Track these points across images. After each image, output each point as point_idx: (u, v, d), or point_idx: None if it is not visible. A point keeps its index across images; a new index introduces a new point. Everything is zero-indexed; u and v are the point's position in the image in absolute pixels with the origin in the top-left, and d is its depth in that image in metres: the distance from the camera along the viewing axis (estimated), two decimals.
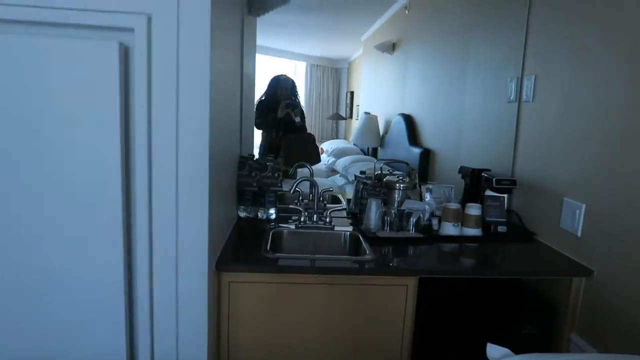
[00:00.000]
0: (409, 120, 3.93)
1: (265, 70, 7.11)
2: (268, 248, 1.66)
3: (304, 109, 3.48)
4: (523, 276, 1.60)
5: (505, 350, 1.17)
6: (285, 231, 1.91)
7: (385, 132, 4.70)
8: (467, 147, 2.82)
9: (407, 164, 2.30)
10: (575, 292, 1.67)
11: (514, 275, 1.61)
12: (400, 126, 4.02)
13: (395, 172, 2.22)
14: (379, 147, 4.85)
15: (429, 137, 3.53)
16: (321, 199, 2.31)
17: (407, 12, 4.21)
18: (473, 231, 1.96)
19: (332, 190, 2.34)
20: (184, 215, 1.33)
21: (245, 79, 2.12)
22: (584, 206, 1.68)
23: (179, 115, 1.28)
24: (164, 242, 1.34)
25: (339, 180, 4.04)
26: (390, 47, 4.68)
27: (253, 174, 2.00)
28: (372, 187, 2.04)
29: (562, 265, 1.67)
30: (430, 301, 1.71)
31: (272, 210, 2.07)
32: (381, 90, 5.23)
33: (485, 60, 2.63)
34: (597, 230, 1.61)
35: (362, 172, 2.18)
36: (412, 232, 1.91)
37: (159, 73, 1.25)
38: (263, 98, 3.29)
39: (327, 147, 5.93)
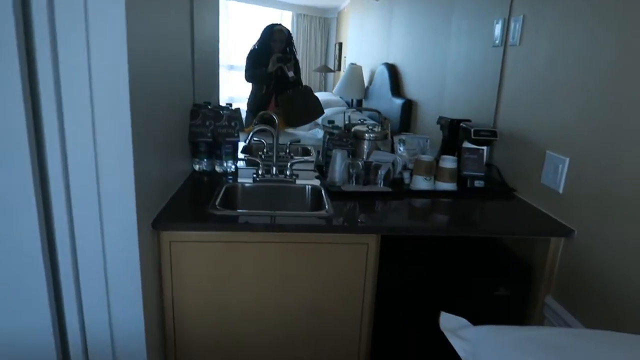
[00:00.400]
0: (392, 70, 3.71)
1: (248, 19, 6.75)
2: (217, 204, 1.50)
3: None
4: (497, 235, 1.46)
5: (462, 321, 1.02)
6: (241, 185, 1.74)
7: (370, 83, 4.47)
8: (449, 97, 2.62)
9: (378, 112, 2.11)
10: (554, 253, 1.54)
11: (486, 233, 1.47)
12: (383, 76, 3.80)
13: (367, 122, 2.04)
14: (363, 99, 4.63)
15: (412, 87, 3.32)
16: (287, 151, 2.14)
17: None
18: (447, 186, 1.80)
19: (299, 142, 2.16)
20: (105, 169, 1.15)
21: (200, 21, 1.89)
22: (567, 160, 1.51)
23: (91, 53, 1.07)
24: (84, 198, 1.16)
25: (319, 133, 3.84)
26: None
27: (207, 124, 1.81)
28: (338, 137, 1.86)
29: (541, 224, 1.53)
30: (398, 261, 1.58)
31: (230, 163, 1.89)
32: (367, 39, 4.95)
33: (471, 2, 2.40)
34: (580, 187, 1.46)
35: (330, 122, 1.99)
36: (380, 186, 1.76)
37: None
38: (255, 47, 3.02)
39: None
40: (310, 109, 3.06)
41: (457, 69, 2.52)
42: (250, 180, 1.78)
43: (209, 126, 1.81)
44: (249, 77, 3.05)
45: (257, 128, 1.72)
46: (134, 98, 1.14)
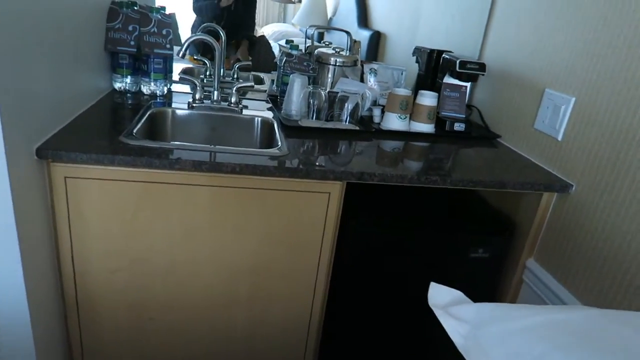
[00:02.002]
0: None
1: None
2: (134, 132, 1.14)
3: None
4: (481, 187, 1.21)
5: (457, 294, 0.76)
6: (171, 111, 1.38)
7: (334, 14, 4.05)
8: (426, 28, 2.29)
9: (347, 32, 1.76)
10: (544, 210, 1.31)
11: (470, 185, 1.21)
12: (349, 4, 3.40)
13: (335, 47, 1.69)
14: (325, 31, 4.20)
15: (382, 16, 2.96)
16: (235, 76, 1.77)
17: None
18: (424, 127, 1.52)
19: (250, 64, 1.79)
20: None
21: None
22: (573, 100, 1.26)
23: None
24: None
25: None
26: None
27: (130, 28, 1.40)
28: (298, 60, 1.51)
29: (533, 176, 1.28)
30: (361, 213, 1.30)
31: (160, 83, 1.51)
32: None
33: None
34: (584, 134, 1.21)
35: (288, 42, 1.63)
36: (345, 123, 1.45)
37: None
38: None
39: (267, 30, 5.19)
40: (262, 63, 2.56)
41: None
42: (185, 106, 1.41)
43: (133, 32, 1.41)
44: (196, 9, 2.50)
45: (193, 36, 1.33)
46: None
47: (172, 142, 1.32)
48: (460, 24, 1.93)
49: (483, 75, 1.58)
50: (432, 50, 1.76)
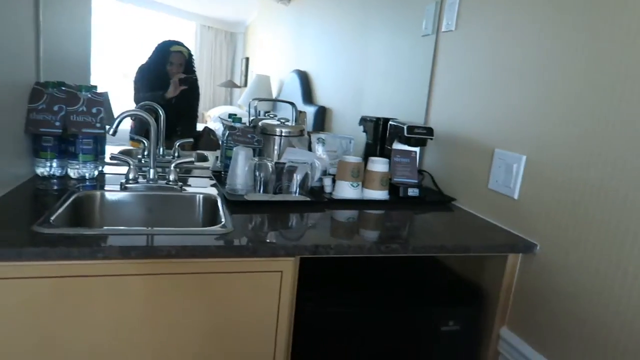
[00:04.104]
0: (303, 77, 3.39)
1: (144, 26, 6.15)
2: (52, 220, 0.99)
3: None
4: (444, 253, 1.13)
5: None
6: (100, 194, 1.24)
7: (279, 93, 4.12)
8: (370, 99, 2.33)
9: (292, 104, 1.73)
10: (510, 273, 1.24)
11: (433, 252, 1.12)
12: (294, 84, 3.46)
13: (280, 118, 1.64)
14: (271, 110, 4.25)
15: (326, 93, 3.01)
16: (176, 154, 1.67)
17: None
18: (377, 194, 1.45)
19: (192, 141, 1.70)
20: None
21: None
22: (524, 158, 1.24)
23: None
24: None
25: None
26: None
27: (56, 109, 1.29)
28: (241, 132, 1.43)
29: (495, 237, 1.22)
30: (318, 291, 1.17)
31: (90, 165, 1.37)
32: (276, 50, 4.62)
33: None
34: (541, 191, 1.18)
35: (231, 115, 1.56)
36: (295, 195, 1.35)
37: None
38: (147, 67, 2.29)
39: (214, 112, 5.22)
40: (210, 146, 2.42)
41: (378, 68, 2.23)
42: (117, 188, 1.28)
43: (59, 112, 1.29)
44: (138, 100, 2.35)
45: (126, 113, 1.23)
46: None
47: (96, 228, 1.17)
48: (403, 93, 1.96)
49: (432, 139, 1.56)
50: (378, 119, 1.75)
